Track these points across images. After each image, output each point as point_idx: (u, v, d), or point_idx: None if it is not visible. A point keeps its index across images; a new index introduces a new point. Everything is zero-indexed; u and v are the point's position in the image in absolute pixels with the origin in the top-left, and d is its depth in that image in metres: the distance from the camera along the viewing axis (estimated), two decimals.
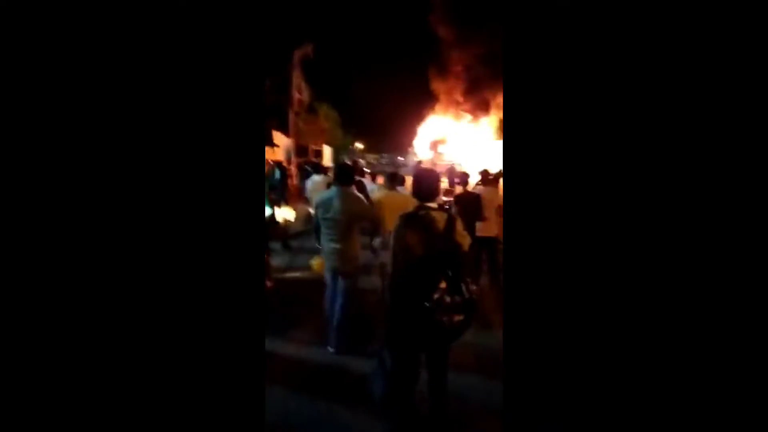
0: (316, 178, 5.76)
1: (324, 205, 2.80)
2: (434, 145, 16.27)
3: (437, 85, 20.11)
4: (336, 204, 2.74)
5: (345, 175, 2.84)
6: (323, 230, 2.83)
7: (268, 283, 3.65)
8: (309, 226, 4.01)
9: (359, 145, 26.05)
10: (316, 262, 3.22)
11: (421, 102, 23.43)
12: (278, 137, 19.95)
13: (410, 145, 28.26)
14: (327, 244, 2.82)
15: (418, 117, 23.64)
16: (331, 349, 2.88)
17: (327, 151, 21.28)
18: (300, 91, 22.81)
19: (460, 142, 17.81)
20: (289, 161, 19.29)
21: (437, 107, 20.22)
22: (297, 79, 22.47)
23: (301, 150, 20.59)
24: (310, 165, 10.38)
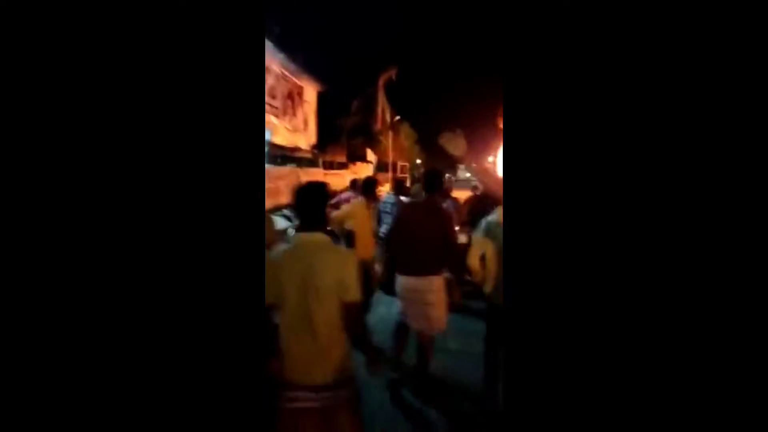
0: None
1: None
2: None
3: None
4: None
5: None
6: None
7: None
8: None
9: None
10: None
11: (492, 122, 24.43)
12: (370, 154, 21.55)
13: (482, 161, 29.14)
14: None
15: (492, 136, 24.57)
16: None
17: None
18: (384, 111, 24.42)
19: None
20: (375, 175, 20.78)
21: None
22: (381, 99, 24.13)
23: (383, 166, 22.03)
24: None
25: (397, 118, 23.17)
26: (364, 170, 20.62)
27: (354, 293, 1.40)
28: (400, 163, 19.87)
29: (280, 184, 9.53)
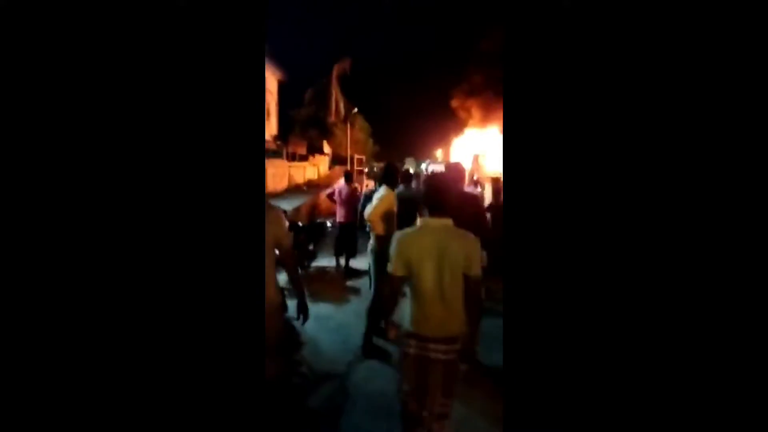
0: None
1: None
2: (475, 159, 17.63)
3: (459, 102, 21.81)
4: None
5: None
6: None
7: None
8: None
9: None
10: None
11: (442, 116, 25.06)
12: (325, 146, 21.07)
13: (431, 154, 29.68)
14: None
15: (443, 129, 25.13)
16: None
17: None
18: (338, 103, 23.98)
19: (498, 153, 19.31)
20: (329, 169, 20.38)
21: (471, 123, 21.74)
22: (335, 91, 23.70)
23: (338, 159, 21.69)
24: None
25: (356, 110, 22.87)
26: (322, 163, 20.16)
27: (476, 269, 1.70)
28: (357, 156, 19.67)
29: None
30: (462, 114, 22.00)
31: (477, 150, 19.36)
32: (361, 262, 5.47)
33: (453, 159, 24.80)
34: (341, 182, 5.63)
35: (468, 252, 1.67)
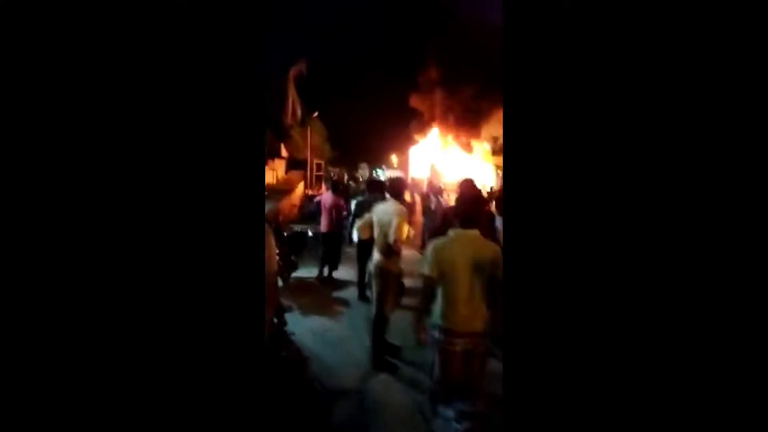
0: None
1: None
2: (432, 167, 18.24)
3: (419, 106, 22.42)
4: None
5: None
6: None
7: None
8: None
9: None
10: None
11: (400, 121, 25.60)
12: (282, 149, 20.56)
13: (386, 160, 30.08)
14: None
15: (399, 134, 25.63)
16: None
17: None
18: (294, 105, 23.53)
19: (455, 162, 19.95)
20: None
21: (427, 129, 22.34)
22: (292, 93, 23.23)
23: (295, 163, 21.30)
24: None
25: (315, 114, 22.55)
26: (279, 167, 19.65)
27: (501, 272, 1.94)
28: (315, 161, 19.44)
29: None
30: (423, 113, 22.45)
31: (433, 159, 19.91)
32: (342, 272, 5.47)
33: (411, 167, 25.41)
34: (326, 192, 5.70)
35: (494, 259, 1.97)
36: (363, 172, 29.22)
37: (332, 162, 28.52)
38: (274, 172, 19.43)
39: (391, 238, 3.02)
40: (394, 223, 3.03)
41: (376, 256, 3.22)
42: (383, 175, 23.11)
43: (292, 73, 23.65)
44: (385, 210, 3.22)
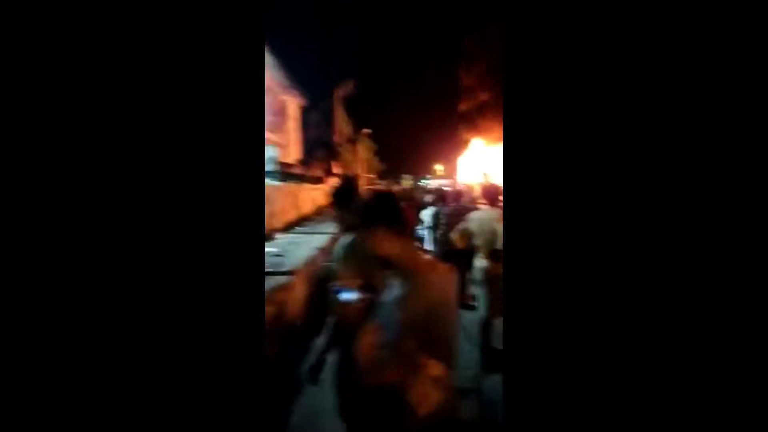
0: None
1: None
2: (485, 175, 18.22)
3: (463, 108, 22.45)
4: None
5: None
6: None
7: None
8: None
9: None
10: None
11: (446, 129, 25.78)
12: (335, 167, 21.36)
13: (431, 170, 30.15)
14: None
15: (444, 144, 25.77)
16: None
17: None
18: (342, 124, 24.39)
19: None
20: None
21: (473, 136, 22.28)
22: (339, 112, 24.13)
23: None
24: None
25: (366, 131, 23.27)
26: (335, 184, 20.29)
27: None
28: (366, 176, 19.98)
29: (286, 202, 9.16)
30: (471, 118, 22.45)
31: (486, 167, 19.84)
32: None
33: (459, 175, 25.31)
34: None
35: None
36: (407, 183, 29.52)
37: (381, 175, 29.08)
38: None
39: (500, 243, 3.11)
40: (499, 229, 3.13)
41: (482, 262, 3.31)
42: (429, 184, 23.18)
43: (339, 92, 24.64)
44: (483, 217, 3.34)
